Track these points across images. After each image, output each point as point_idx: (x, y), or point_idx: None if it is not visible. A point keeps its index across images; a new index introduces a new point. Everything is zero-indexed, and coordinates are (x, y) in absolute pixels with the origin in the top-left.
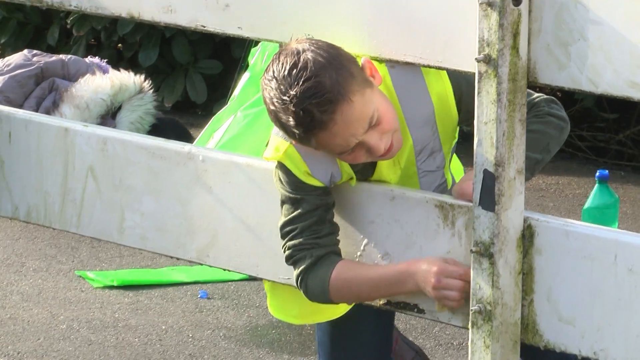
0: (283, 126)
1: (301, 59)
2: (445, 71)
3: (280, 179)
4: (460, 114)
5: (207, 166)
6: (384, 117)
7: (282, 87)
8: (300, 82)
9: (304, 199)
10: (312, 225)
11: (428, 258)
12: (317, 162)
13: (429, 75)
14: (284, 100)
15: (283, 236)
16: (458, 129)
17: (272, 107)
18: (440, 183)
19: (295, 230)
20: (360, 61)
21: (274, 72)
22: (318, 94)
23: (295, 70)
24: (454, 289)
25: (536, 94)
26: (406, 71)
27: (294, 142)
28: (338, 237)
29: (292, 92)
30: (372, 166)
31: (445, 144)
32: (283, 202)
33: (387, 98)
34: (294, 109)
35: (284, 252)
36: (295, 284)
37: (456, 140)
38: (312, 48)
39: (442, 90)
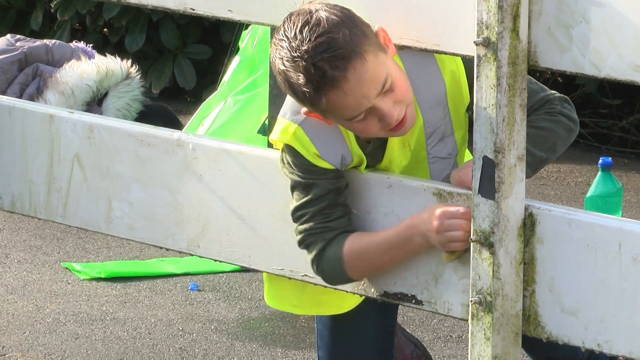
0: (292, 87)
1: (314, 17)
2: None
3: (289, 163)
4: (471, 98)
5: (197, 154)
6: (397, 84)
7: (293, 44)
8: (313, 38)
9: (315, 184)
10: (324, 209)
11: (428, 209)
12: (327, 143)
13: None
14: (294, 57)
15: (295, 220)
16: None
17: (281, 68)
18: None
19: (307, 215)
20: (375, 28)
21: (285, 30)
22: (331, 49)
23: (307, 27)
24: (458, 228)
25: (551, 91)
26: (417, 50)
27: (303, 108)
28: (350, 218)
29: (304, 48)
30: (382, 149)
31: (457, 130)
32: (293, 188)
33: (402, 70)
34: (304, 64)
35: (296, 235)
36: (312, 270)
37: (467, 129)
38: (325, 8)
39: (455, 68)
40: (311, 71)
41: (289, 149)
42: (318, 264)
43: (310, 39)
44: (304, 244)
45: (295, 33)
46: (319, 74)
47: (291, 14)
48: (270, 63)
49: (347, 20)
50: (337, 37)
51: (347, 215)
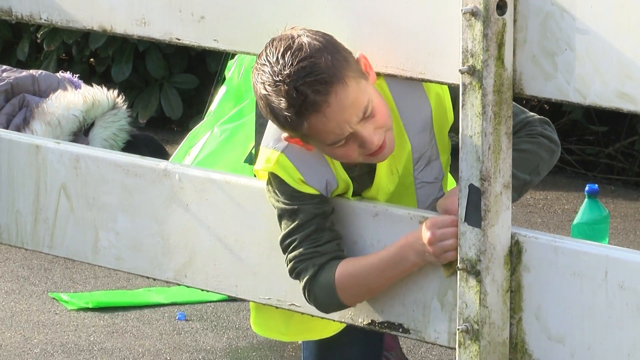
0: (274, 112)
1: (296, 42)
2: None
3: (275, 191)
4: (455, 120)
5: (183, 183)
6: (378, 110)
7: (275, 68)
8: (295, 62)
9: (301, 209)
10: (311, 234)
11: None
12: (311, 168)
13: None
14: (276, 81)
15: (284, 250)
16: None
17: (263, 92)
18: (438, 197)
19: (295, 242)
20: (356, 55)
21: (267, 55)
22: (313, 73)
23: (289, 51)
24: (450, 236)
25: (531, 113)
26: None
27: (284, 134)
28: (339, 243)
29: (286, 72)
30: (370, 176)
31: (443, 154)
32: (280, 216)
33: (382, 98)
34: (286, 88)
35: (287, 265)
36: (304, 298)
37: (450, 151)
38: (308, 34)
39: (440, 91)
40: (293, 95)
41: (273, 176)
42: (310, 291)
43: (292, 64)
44: (294, 272)
45: (277, 57)
46: (300, 98)
47: (273, 39)
48: (253, 88)
49: (329, 46)
50: (319, 62)
51: (336, 240)
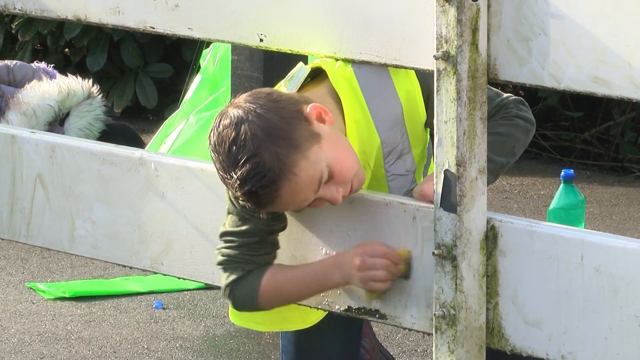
0: (233, 194)
1: (240, 133)
2: (413, 70)
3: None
4: (428, 114)
5: (159, 172)
6: (335, 169)
7: (224, 164)
8: (240, 164)
9: (251, 220)
10: (252, 244)
11: (351, 249)
12: None
13: (397, 74)
14: (228, 180)
15: (220, 238)
16: (429, 131)
17: (219, 175)
18: (411, 188)
19: (234, 243)
20: (307, 109)
21: (215, 144)
22: (258, 174)
23: (234, 147)
24: (379, 267)
25: (505, 95)
26: (373, 71)
27: None
28: (275, 255)
29: (234, 175)
30: None
31: (415, 147)
32: (230, 212)
33: (340, 139)
34: (240, 190)
35: (218, 254)
36: (221, 293)
37: (427, 143)
38: (251, 117)
39: (410, 87)
40: (246, 195)
41: None
42: (231, 291)
43: (237, 164)
44: (222, 266)
45: (224, 152)
46: (254, 197)
47: (221, 119)
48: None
49: (273, 131)
50: (263, 159)
51: (272, 253)
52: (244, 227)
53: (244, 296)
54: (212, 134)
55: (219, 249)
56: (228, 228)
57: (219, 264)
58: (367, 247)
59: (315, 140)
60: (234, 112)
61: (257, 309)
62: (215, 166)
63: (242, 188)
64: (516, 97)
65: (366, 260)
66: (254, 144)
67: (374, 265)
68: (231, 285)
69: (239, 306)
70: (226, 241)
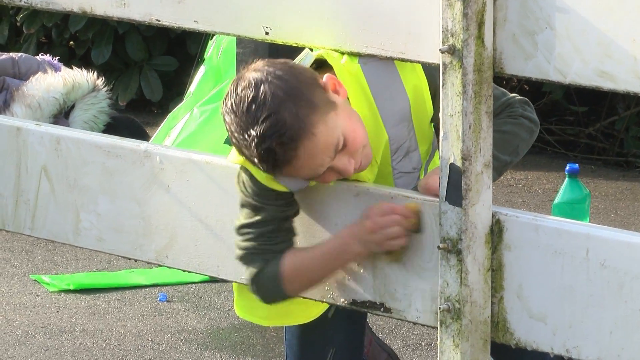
0: (246, 157)
1: (260, 93)
2: (420, 65)
3: (243, 183)
4: (435, 110)
5: (164, 165)
6: (349, 138)
7: (242, 123)
8: (260, 121)
9: (264, 208)
10: (269, 232)
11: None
12: None
13: (404, 69)
14: (245, 138)
15: (238, 234)
16: (434, 128)
17: (234, 140)
18: (416, 185)
19: (251, 235)
20: (323, 79)
21: (232, 105)
22: (279, 131)
23: (254, 106)
24: (392, 224)
25: (511, 94)
26: (380, 66)
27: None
28: (293, 241)
29: (253, 132)
30: None
31: (422, 144)
32: (243, 205)
33: (353, 111)
34: (255, 149)
35: (237, 249)
36: (247, 286)
37: (431, 142)
38: (270, 78)
39: (417, 83)
40: (262, 154)
41: (244, 170)
42: (256, 283)
43: (257, 121)
44: (243, 260)
45: (243, 111)
46: (271, 156)
47: (238, 82)
48: (221, 115)
49: (293, 92)
50: (284, 117)
51: (290, 241)
52: (258, 217)
53: (269, 286)
54: (228, 97)
55: (237, 243)
56: (243, 221)
57: (239, 258)
58: (374, 208)
59: (332, 107)
60: (253, 75)
61: (283, 297)
62: (230, 129)
63: (260, 146)
64: (522, 97)
65: (377, 221)
66: (274, 102)
67: (386, 223)
68: (255, 278)
69: (266, 297)
70: (243, 234)
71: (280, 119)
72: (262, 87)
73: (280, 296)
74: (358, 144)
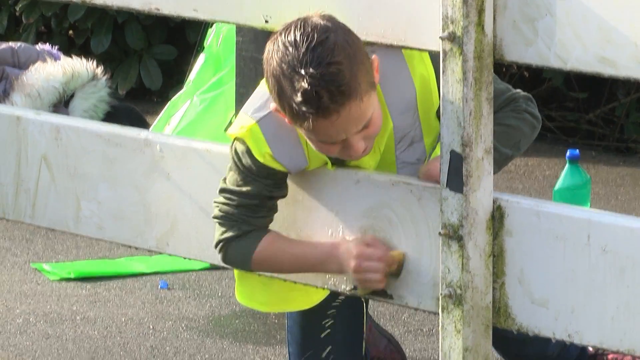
0: (282, 94)
1: (329, 40)
2: (427, 55)
3: (236, 152)
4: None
5: (164, 153)
6: (373, 121)
7: (301, 59)
8: (324, 63)
9: (252, 182)
10: (251, 205)
11: (349, 241)
12: (282, 145)
13: (413, 58)
14: (298, 72)
15: (220, 193)
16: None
17: (278, 71)
18: None
19: (233, 202)
20: (372, 58)
21: (296, 39)
22: (336, 81)
23: (321, 48)
24: (375, 271)
25: (515, 90)
26: (387, 54)
27: (273, 104)
28: (272, 218)
29: (311, 70)
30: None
31: (427, 136)
32: (231, 169)
33: (380, 104)
34: (305, 86)
35: (214, 208)
36: (213, 245)
37: (437, 134)
38: (340, 32)
39: (425, 73)
40: (310, 95)
41: (242, 142)
42: (224, 248)
43: (320, 63)
44: (219, 220)
45: (307, 48)
46: (316, 101)
47: (306, 21)
48: (265, 54)
49: (357, 55)
50: (344, 71)
51: (269, 217)
52: (245, 189)
53: (237, 255)
54: (289, 31)
55: (216, 202)
56: (229, 186)
57: (216, 217)
58: (363, 249)
59: (374, 87)
60: (321, 22)
61: (246, 270)
62: (279, 60)
63: (311, 84)
64: (526, 93)
65: (362, 264)
66: (342, 54)
67: (370, 269)
68: (225, 242)
69: (229, 262)
70: (225, 197)
71: (342, 70)
72: (332, 36)
73: (240, 268)
74: (377, 129)
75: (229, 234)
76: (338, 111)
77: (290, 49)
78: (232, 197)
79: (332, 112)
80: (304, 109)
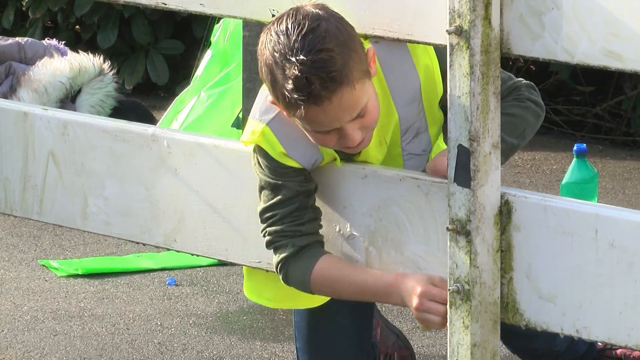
0: (274, 83)
1: (321, 27)
2: (432, 47)
3: (259, 163)
4: (444, 92)
5: (171, 148)
6: (369, 111)
7: (292, 46)
8: (314, 50)
9: (284, 185)
10: (293, 211)
11: (415, 276)
12: (295, 142)
13: (417, 49)
14: (289, 60)
15: (263, 222)
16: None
17: (270, 60)
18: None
19: (276, 217)
20: (367, 47)
21: (287, 28)
22: (327, 68)
23: (312, 35)
24: (437, 313)
25: (517, 79)
26: (391, 46)
27: (270, 97)
28: (320, 223)
29: (302, 57)
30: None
31: (432, 126)
32: (262, 188)
33: (377, 96)
34: (297, 73)
35: (264, 236)
36: (274, 269)
37: (441, 125)
38: (332, 20)
39: (429, 63)
40: (301, 82)
41: (258, 149)
42: (283, 269)
43: (311, 50)
44: (272, 245)
45: (298, 36)
46: (307, 87)
47: (298, 10)
48: (259, 45)
49: (349, 42)
50: (335, 57)
51: (317, 219)
52: (280, 196)
53: (296, 278)
54: (281, 20)
55: (263, 230)
56: (263, 205)
57: (268, 244)
58: (430, 289)
59: (368, 75)
60: (313, 10)
61: (307, 292)
62: (272, 49)
63: (302, 71)
64: (528, 81)
65: (425, 303)
66: (333, 42)
67: (432, 310)
68: (284, 262)
69: (290, 284)
70: (267, 218)
71: (333, 57)
72: (323, 23)
73: (302, 290)
74: (374, 120)
75: (285, 254)
76: (329, 98)
77: (281, 37)
78: (273, 212)
79: (323, 99)
80: (295, 96)
